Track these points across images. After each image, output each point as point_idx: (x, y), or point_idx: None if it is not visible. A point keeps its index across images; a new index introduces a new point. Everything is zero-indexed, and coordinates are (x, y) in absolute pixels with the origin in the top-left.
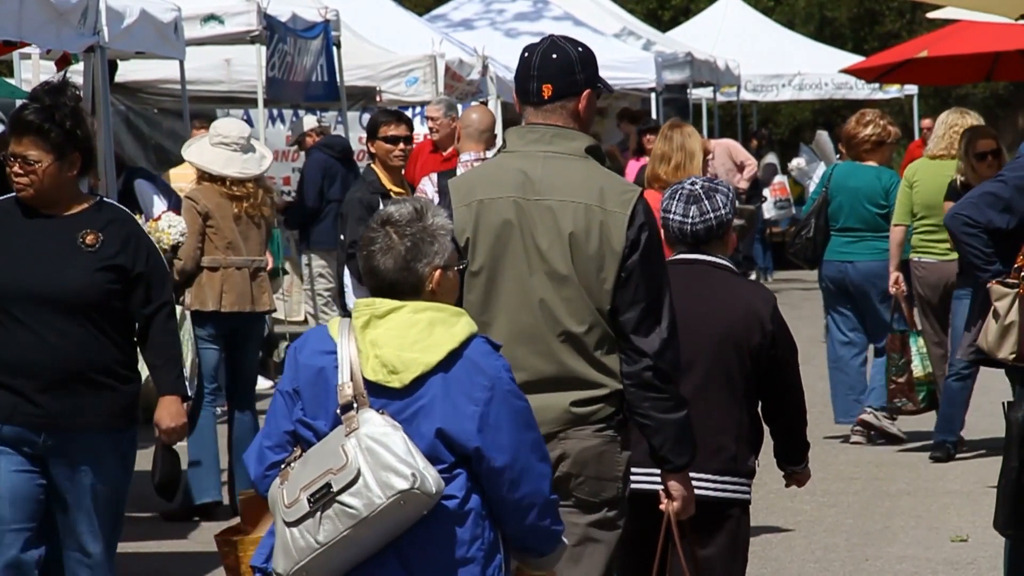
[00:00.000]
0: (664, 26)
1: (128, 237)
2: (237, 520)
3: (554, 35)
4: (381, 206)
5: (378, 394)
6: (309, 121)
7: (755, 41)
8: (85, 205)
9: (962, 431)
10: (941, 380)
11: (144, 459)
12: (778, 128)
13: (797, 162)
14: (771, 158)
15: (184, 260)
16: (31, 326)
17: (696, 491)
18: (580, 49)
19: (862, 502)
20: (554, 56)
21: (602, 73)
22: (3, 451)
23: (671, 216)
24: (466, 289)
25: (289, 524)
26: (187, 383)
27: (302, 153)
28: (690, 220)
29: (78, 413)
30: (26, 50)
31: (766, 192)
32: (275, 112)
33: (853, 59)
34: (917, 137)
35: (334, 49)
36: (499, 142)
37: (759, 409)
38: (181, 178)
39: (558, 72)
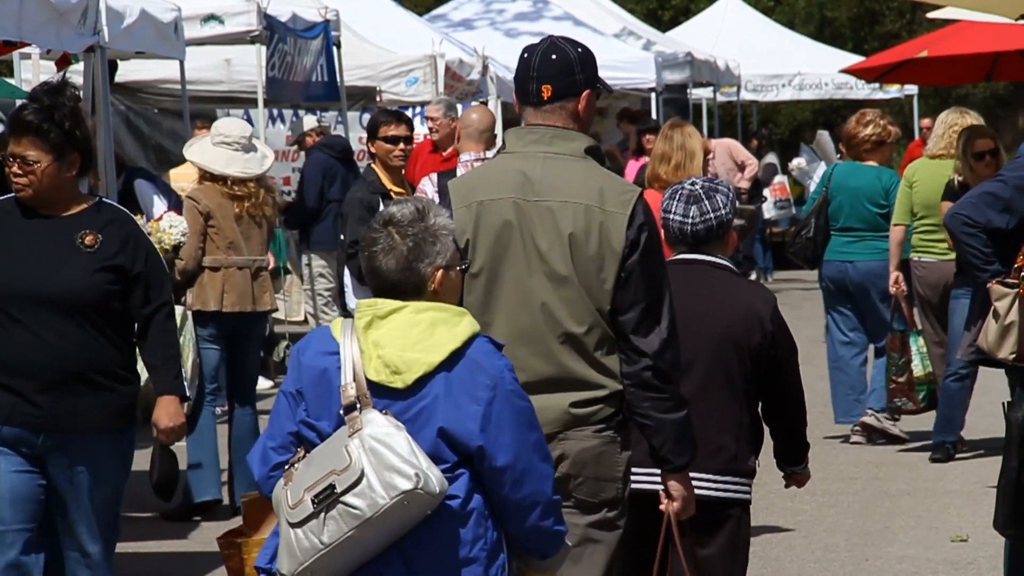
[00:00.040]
0: (664, 26)
1: (127, 237)
2: (238, 522)
3: (554, 36)
4: (381, 206)
5: (381, 394)
6: (309, 121)
7: (755, 41)
8: (84, 205)
9: (962, 431)
10: (941, 380)
11: (143, 459)
12: (778, 128)
13: (798, 162)
14: (771, 158)
15: (186, 260)
16: (30, 326)
17: (696, 491)
18: (579, 50)
19: (862, 502)
20: (553, 57)
21: (602, 73)
22: (3, 451)
23: (671, 216)
24: (466, 290)
25: (293, 525)
26: (188, 383)
27: (302, 153)
28: (690, 220)
29: (77, 414)
30: (26, 50)
31: (766, 192)
32: (275, 112)
33: (853, 59)
34: (917, 137)
35: (334, 49)
36: (499, 142)
37: (759, 409)
38: (183, 178)
39: (557, 73)
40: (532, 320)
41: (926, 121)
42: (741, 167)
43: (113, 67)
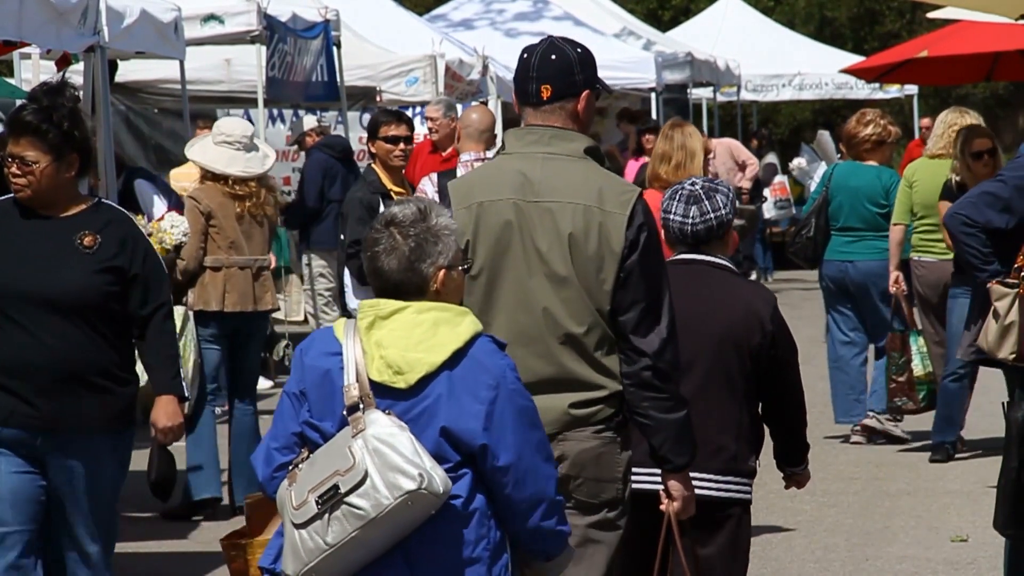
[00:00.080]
0: (664, 26)
1: (126, 238)
2: (238, 521)
3: (553, 36)
4: (382, 206)
5: (384, 395)
6: (309, 121)
7: (755, 41)
8: (83, 206)
9: (962, 431)
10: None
11: (142, 459)
12: (778, 128)
13: (798, 162)
14: (771, 158)
15: (187, 260)
16: (28, 328)
17: (697, 491)
18: (579, 50)
19: (862, 502)
20: (553, 57)
21: (602, 73)
22: (2, 453)
23: (671, 216)
24: (466, 292)
25: (298, 526)
26: (189, 384)
27: (302, 153)
28: (690, 220)
29: (76, 415)
30: (26, 50)
31: (766, 192)
32: (275, 112)
33: (853, 59)
34: (916, 137)
35: (334, 49)
36: (499, 142)
37: (759, 409)
38: (184, 177)
39: (557, 73)
40: (532, 321)
41: (926, 121)
42: (742, 167)
43: (113, 67)
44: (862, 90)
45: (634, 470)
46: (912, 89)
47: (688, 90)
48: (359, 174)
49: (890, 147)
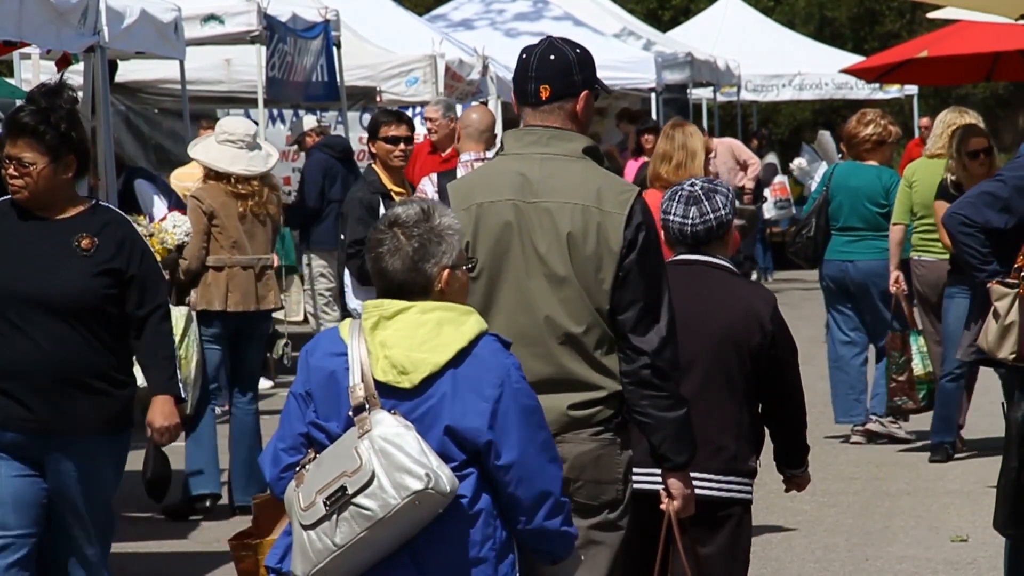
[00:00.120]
0: (664, 26)
1: (123, 240)
2: (238, 521)
3: (552, 36)
4: (382, 206)
5: (389, 395)
6: (309, 121)
7: (755, 41)
8: (80, 208)
9: (962, 431)
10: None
11: (139, 459)
12: (778, 128)
13: (799, 162)
14: (771, 158)
15: (189, 260)
16: (25, 330)
17: (697, 490)
18: (578, 50)
19: (862, 502)
20: (552, 57)
21: (602, 73)
22: (1, 456)
23: (671, 217)
24: None
25: (306, 527)
26: (192, 384)
27: (302, 153)
28: (690, 221)
29: (73, 418)
30: (26, 50)
31: (766, 192)
32: (275, 112)
33: (853, 59)
34: (916, 136)
35: (334, 49)
36: (499, 142)
37: (759, 409)
38: (187, 177)
39: (556, 73)
40: (531, 321)
41: (925, 121)
42: (744, 166)
43: (113, 67)
44: (862, 90)
45: (635, 470)
46: (912, 89)
47: (688, 90)
48: (359, 174)
49: (890, 147)
